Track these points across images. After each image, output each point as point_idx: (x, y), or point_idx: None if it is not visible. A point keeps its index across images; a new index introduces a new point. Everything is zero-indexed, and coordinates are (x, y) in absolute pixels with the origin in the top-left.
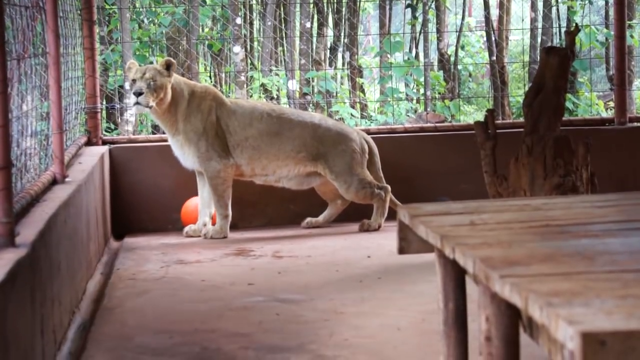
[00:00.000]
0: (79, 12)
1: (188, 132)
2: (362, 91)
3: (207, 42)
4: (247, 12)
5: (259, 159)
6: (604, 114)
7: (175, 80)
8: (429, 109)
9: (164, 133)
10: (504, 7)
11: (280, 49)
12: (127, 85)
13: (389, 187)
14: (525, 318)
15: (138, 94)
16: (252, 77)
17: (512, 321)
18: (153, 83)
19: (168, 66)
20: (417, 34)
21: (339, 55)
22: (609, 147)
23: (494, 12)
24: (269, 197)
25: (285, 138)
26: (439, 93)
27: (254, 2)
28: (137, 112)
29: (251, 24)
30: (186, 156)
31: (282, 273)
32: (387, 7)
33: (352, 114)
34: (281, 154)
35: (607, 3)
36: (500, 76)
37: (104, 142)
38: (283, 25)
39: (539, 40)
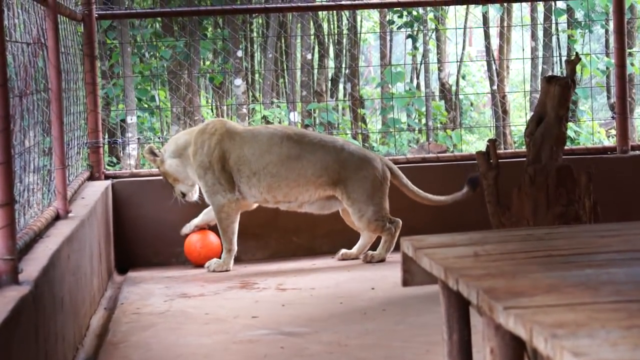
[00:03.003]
0: (80, 47)
1: (197, 168)
2: (364, 122)
3: (208, 75)
4: (248, 45)
5: (279, 186)
6: (606, 142)
7: (175, 137)
8: (430, 139)
9: None
10: (504, 37)
11: (281, 81)
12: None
13: (400, 222)
14: (530, 350)
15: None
16: (253, 109)
17: (516, 353)
18: (169, 181)
19: (152, 153)
20: (418, 64)
21: (340, 86)
22: (612, 176)
23: (495, 42)
24: (272, 230)
25: (306, 162)
26: (441, 123)
27: (255, 34)
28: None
29: (252, 56)
30: (202, 191)
31: (286, 306)
32: (388, 38)
33: None
34: (301, 179)
35: (607, 32)
36: (501, 105)
37: (107, 177)
38: (284, 57)
39: (540, 69)
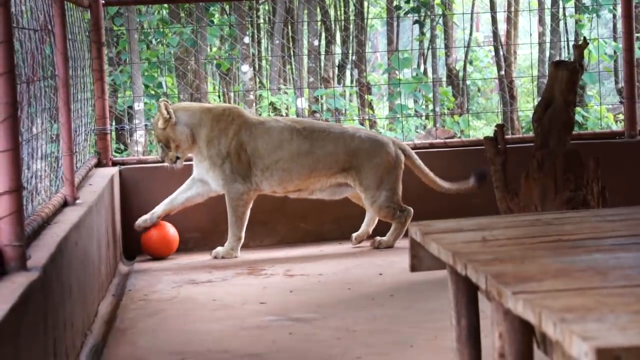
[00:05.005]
0: (87, 34)
1: (213, 156)
2: (371, 108)
3: (215, 62)
4: (255, 31)
5: (290, 179)
6: (614, 127)
7: (190, 110)
8: (438, 125)
9: None
10: (511, 22)
11: (288, 67)
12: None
13: (412, 211)
14: (539, 334)
15: (161, 161)
16: (260, 95)
17: (525, 337)
18: (162, 143)
19: (167, 111)
20: (425, 50)
21: (347, 72)
22: (620, 161)
23: (502, 27)
24: (279, 216)
25: (317, 156)
26: (448, 109)
27: (262, 21)
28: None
29: (259, 42)
30: (211, 180)
31: (294, 292)
32: (395, 24)
33: None
34: (313, 173)
35: (614, 16)
36: (509, 91)
37: (114, 163)
38: (291, 43)
39: (547, 54)
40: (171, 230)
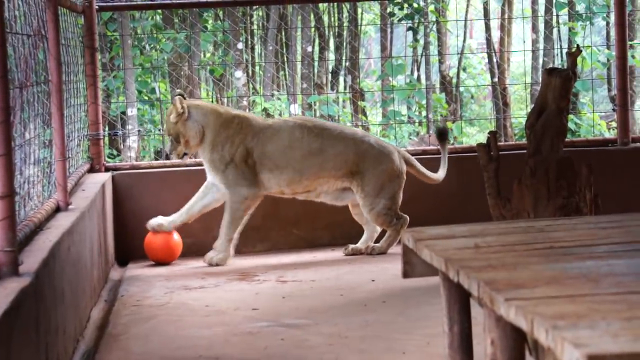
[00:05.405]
0: (80, 39)
1: (215, 161)
2: (364, 114)
3: (208, 68)
4: (249, 37)
5: (299, 181)
6: (607, 134)
7: (202, 109)
8: (431, 132)
9: (166, 159)
10: (505, 29)
11: (282, 73)
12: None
13: (407, 219)
14: (531, 341)
15: (170, 153)
16: (254, 101)
17: (517, 344)
18: (172, 137)
19: (182, 104)
20: (419, 57)
21: (341, 78)
22: (612, 168)
23: (495, 34)
24: (272, 222)
25: (327, 155)
26: (441, 115)
27: (255, 27)
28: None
29: (252, 48)
30: (216, 181)
31: (286, 298)
32: (389, 30)
33: None
34: (322, 172)
35: (608, 24)
36: (502, 98)
37: (107, 169)
38: (284, 49)
39: (541, 61)
40: (175, 237)
